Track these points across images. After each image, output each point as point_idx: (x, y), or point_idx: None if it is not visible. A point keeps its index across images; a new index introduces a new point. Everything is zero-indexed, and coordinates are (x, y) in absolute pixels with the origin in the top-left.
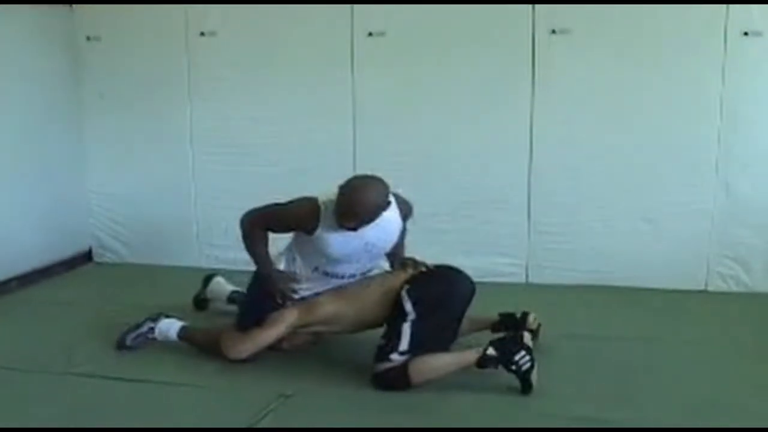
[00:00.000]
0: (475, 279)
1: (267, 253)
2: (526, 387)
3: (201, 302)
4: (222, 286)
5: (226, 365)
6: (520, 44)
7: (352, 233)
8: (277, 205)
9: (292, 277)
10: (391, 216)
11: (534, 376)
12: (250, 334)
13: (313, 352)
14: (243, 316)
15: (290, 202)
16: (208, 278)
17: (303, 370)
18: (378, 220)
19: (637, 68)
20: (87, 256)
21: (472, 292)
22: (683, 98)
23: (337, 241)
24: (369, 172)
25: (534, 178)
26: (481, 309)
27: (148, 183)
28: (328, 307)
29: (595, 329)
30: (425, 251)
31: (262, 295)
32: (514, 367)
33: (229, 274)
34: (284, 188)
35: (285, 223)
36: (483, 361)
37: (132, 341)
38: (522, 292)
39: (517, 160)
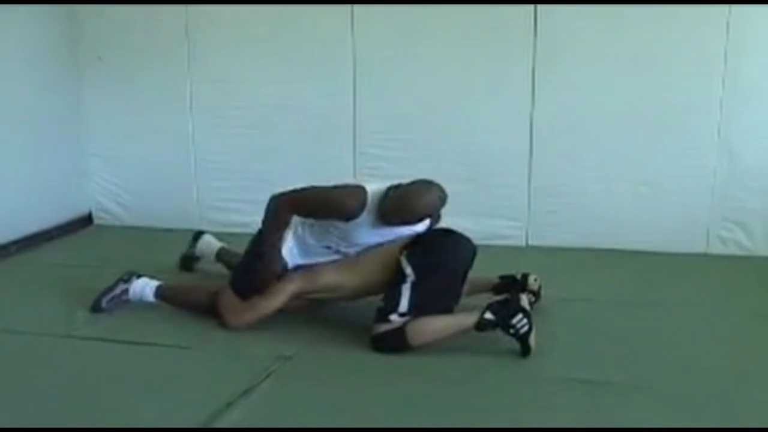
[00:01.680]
0: (476, 241)
1: (280, 239)
2: (525, 349)
3: (189, 261)
4: (211, 244)
5: (225, 328)
6: (522, 6)
7: (386, 228)
8: (315, 188)
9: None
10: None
11: (533, 339)
12: (252, 303)
13: (313, 314)
14: (242, 283)
15: (335, 187)
16: (196, 236)
17: (303, 332)
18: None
19: (638, 30)
20: (87, 219)
21: (473, 254)
22: (685, 60)
23: (369, 233)
24: (371, 135)
25: (535, 140)
26: (481, 271)
27: (148, 146)
28: (330, 276)
29: (595, 292)
30: None
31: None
32: (512, 330)
33: (227, 238)
34: (285, 151)
35: (326, 209)
36: (481, 325)
37: (107, 304)
38: (522, 254)
39: (518, 122)
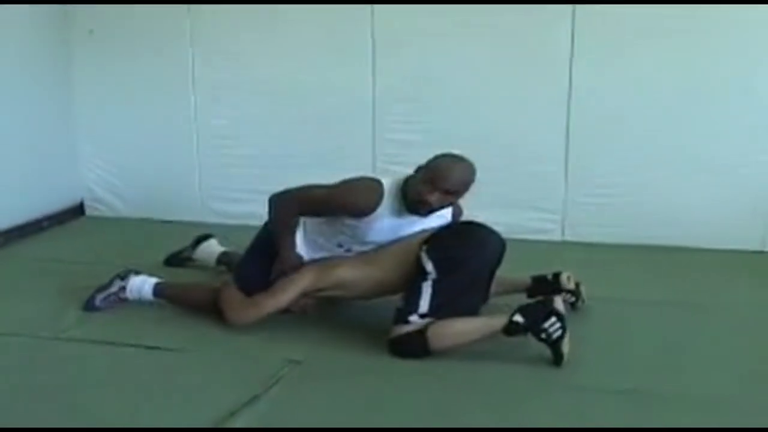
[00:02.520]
0: (506, 236)
1: (293, 237)
2: (557, 357)
3: (179, 260)
4: (213, 249)
5: (230, 328)
6: None
7: (405, 221)
8: (322, 185)
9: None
10: (449, 211)
11: (566, 345)
12: (257, 299)
13: (325, 314)
14: (246, 278)
15: (344, 183)
16: (202, 238)
17: (314, 335)
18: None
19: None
20: (78, 210)
21: (502, 249)
22: (744, 34)
23: (386, 228)
24: (391, 117)
25: (573, 123)
26: (511, 269)
27: (146, 128)
28: (344, 271)
29: (638, 293)
30: None
31: (271, 260)
32: (543, 336)
33: (233, 231)
34: (297, 135)
35: (336, 206)
36: (510, 329)
37: (101, 302)
38: (557, 250)
39: (554, 103)
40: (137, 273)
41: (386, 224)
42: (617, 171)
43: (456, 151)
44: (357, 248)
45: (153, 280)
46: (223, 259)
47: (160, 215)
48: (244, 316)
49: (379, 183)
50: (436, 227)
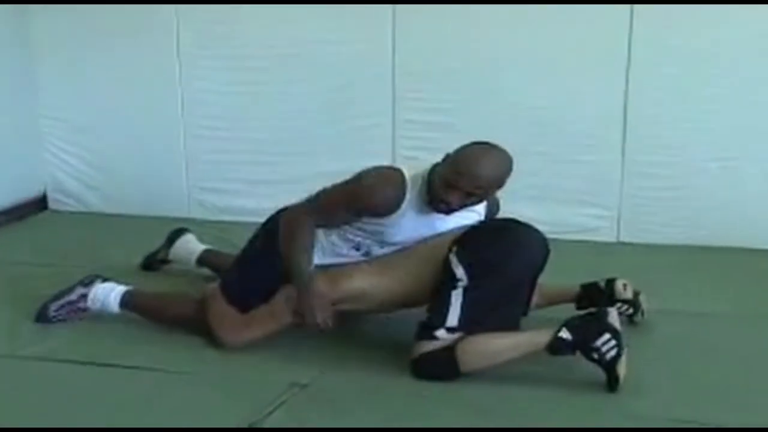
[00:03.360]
0: (550, 236)
1: (309, 262)
2: (611, 381)
3: (154, 263)
4: (191, 246)
5: (219, 347)
6: None
7: (433, 218)
8: (330, 191)
9: (329, 305)
10: (483, 206)
11: (622, 367)
12: (256, 315)
13: (335, 330)
14: (239, 291)
15: (359, 179)
16: (175, 234)
17: (322, 353)
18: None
19: None
20: (40, 203)
21: (545, 252)
22: None
23: (410, 227)
24: (414, 95)
25: (631, 101)
26: (556, 275)
27: (122, 106)
28: (360, 280)
29: (706, 304)
30: None
31: (271, 268)
32: (595, 355)
33: (227, 228)
34: (301, 116)
35: (357, 212)
36: (555, 346)
37: (56, 312)
38: (611, 253)
39: (609, 79)
40: (104, 279)
41: (411, 222)
42: (684, 159)
43: (487, 138)
44: (378, 251)
45: (121, 289)
46: (205, 259)
47: (139, 210)
48: (240, 337)
49: (400, 174)
50: (468, 225)
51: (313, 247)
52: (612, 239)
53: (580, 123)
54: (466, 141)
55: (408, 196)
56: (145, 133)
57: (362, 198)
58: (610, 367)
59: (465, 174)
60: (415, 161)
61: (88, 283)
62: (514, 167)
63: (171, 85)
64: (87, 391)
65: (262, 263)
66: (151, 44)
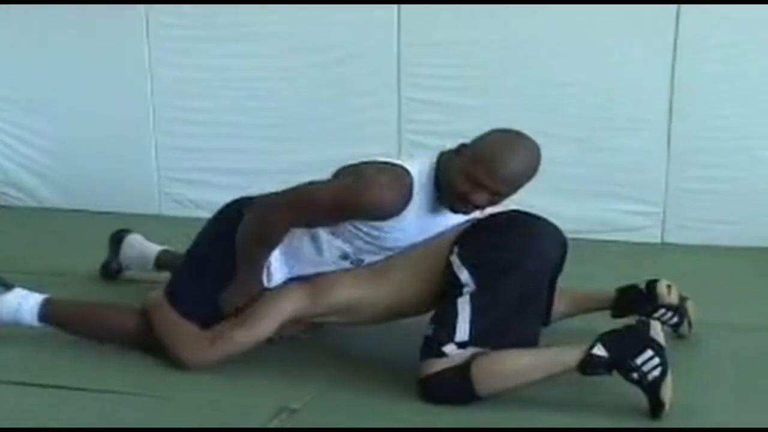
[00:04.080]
0: (586, 235)
1: (266, 260)
2: (655, 406)
3: (111, 272)
4: (141, 248)
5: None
6: None
7: (438, 218)
8: (320, 185)
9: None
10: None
11: (667, 389)
12: (223, 330)
13: (328, 344)
14: (189, 301)
15: (356, 175)
16: (116, 238)
17: (316, 373)
18: None
19: None
20: None
21: (562, 249)
22: None
23: (412, 231)
24: (423, 71)
25: (679, 79)
26: (591, 283)
27: (83, 84)
28: (346, 290)
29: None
30: None
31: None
32: (635, 375)
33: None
34: (290, 95)
35: (347, 213)
36: (588, 365)
37: None
38: (655, 255)
39: (653, 52)
40: (9, 287)
41: (414, 225)
42: (740, 146)
43: (512, 123)
44: (369, 259)
45: (38, 298)
46: (164, 260)
47: (102, 206)
48: (207, 355)
49: (406, 172)
50: (468, 221)
51: (278, 244)
52: (656, 239)
53: (618, 104)
54: (486, 125)
55: (414, 197)
56: (108, 115)
57: (360, 200)
58: (652, 389)
59: (497, 171)
60: (409, 154)
61: None
62: (544, 154)
63: (138, 61)
64: (31, 417)
65: (218, 266)
66: (117, 12)
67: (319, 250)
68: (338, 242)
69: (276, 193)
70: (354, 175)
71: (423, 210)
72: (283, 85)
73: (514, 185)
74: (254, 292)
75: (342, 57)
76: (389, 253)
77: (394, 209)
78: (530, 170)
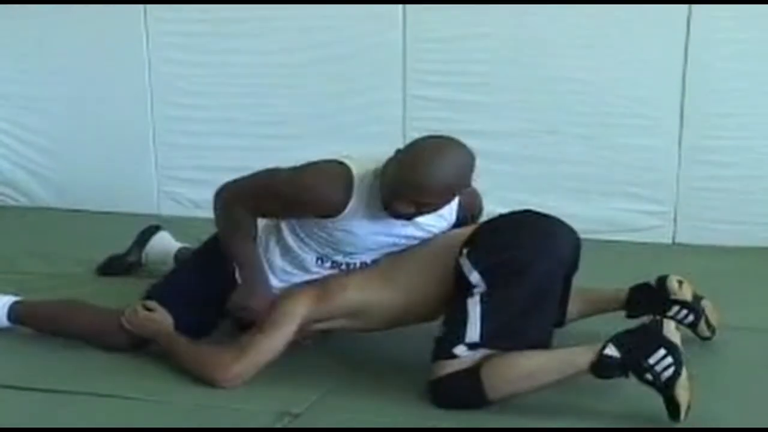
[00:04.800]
0: (595, 235)
1: (255, 249)
2: (671, 407)
3: (120, 267)
4: (167, 245)
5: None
6: None
7: (388, 225)
8: (270, 172)
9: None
10: (453, 207)
11: (683, 390)
12: (249, 343)
13: (331, 348)
14: (183, 306)
15: (300, 168)
16: (147, 233)
17: (318, 377)
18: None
19: None
20: None
21: (575, 248)
22: None
23: (364, 232)
24: (429, 67)
25: (690, 80)
26: (602, 284)
27: (79, 80)
28: (354, 294)
29: None
30: (510, 193)
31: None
32: (649, 376)
33: (203, 226)
34: (292, 92)
35: (293, 203)
36: (601, 366)
37: None
38: (666, 256)
39: (664, 46)
40: None
41: (363, 228)
42: (755, 144)
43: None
44: (343, 259)
45: (6, 300)
46: (180, 257)
47: (98, 206)
48: (238, 369)
49: (346, 170)
50: (438, 229)
51: (253, 225)
52: (667, 240)
53: (628, 101)
54: (491, 122)
55: (354, 197)
56: (106, 112)
57: (298, 193)
58: (667, 390)
59: (409, 183)
60: (368, 152)
61: None
62: (553, 150)
63: (137, 57)
64: (31, 420)
65: (206, 266)
66: (114, 9)
67: (300, 255)
68: (313, 243)
69: (235, 180)
70: (303, 168)
71: (369, 212)
72: (285, 82)
73: (436, 195)
74: (260, 290)
75: (346, 53)
76: (355, 254)
77: (331, 202)
78: (453, 179)
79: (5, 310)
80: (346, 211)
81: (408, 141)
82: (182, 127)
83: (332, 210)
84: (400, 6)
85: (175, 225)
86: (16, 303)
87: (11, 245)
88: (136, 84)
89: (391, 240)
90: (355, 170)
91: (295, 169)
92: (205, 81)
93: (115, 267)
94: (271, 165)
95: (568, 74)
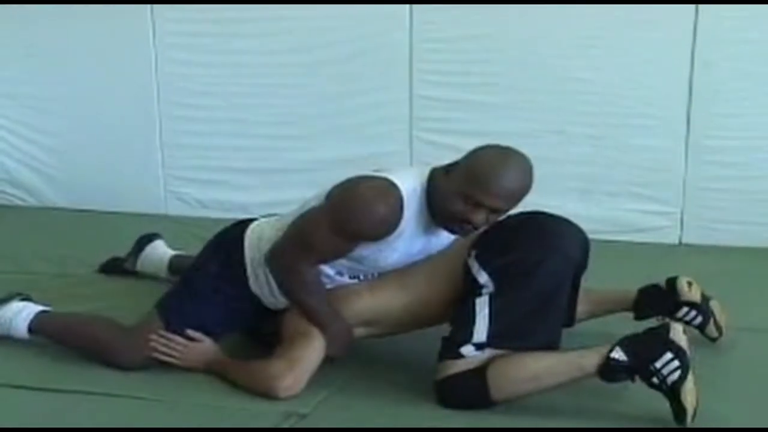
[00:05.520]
0: (601, 236)
1: (329, 303)
2: (678, 410)
3: (118, 269)
4: (160, 254)
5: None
6: None
7: (426, 237)
8: (314, 220)
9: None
10: None
11: (689, 394)
12: (296, 357)
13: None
14: (182, 321)
15: (340, 199)
16: (142, 242)
17: (326, 375)
18: None
19: None
20: None
21: (584, 248)
22: None
23: (402, 249)
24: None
25: (697, 80)
26: (607, 282)
27: (85, 80)
28: (366, 302)
29: None
30: None
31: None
32: (655, 379)
33: (209, 226)
34: (301, 90)
35: (348, 241)
36: (608, 370)
37: None
38: (673, 256)
39: (671, 45)
40: (25, 298)
41: (405, 243)
42: (763, 144)
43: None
44: (361, 273)
45: (33, 309)
46: (176, 265)
47: (105, 205)
48: (295, 380)
49: (395, 188)
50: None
51: (318, 283)
52: (674, 240)
53: (635, 101)
54: (499, 122)
55: (406, 212)
56: (111, 111)
57: (354, 224)
58: (673, 393)
59: (493, 188)
60: (400, 165)
61: (2, 300)
62: (557, 154)
63: (144, 57)
64: (39, 420)
65: (211, 287)
66: (121, 8)
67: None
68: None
69: (284, 243)
70: (339, 200)
71: (416, 228)
72: (292, 82)
73: (512, 200)
74: (345, 335)
75: (352, 53)
76: (386, 268)
77: (387, 225)
78: (526, 183)
79: (27, 320)
80: (397, 232)
81: (414, 141)
82: (189, 127)
83: (388, 232)
84: (406, 6)
85: (182, 225)
86: (41, 313)
87: (17, 245)
88: (142, 84)
89: (424, 250)
90: (401, 185)
91: (338, 201)
92: (211, 81)
93: (115, 267)
94: (277, 164)
95: (574, 74)
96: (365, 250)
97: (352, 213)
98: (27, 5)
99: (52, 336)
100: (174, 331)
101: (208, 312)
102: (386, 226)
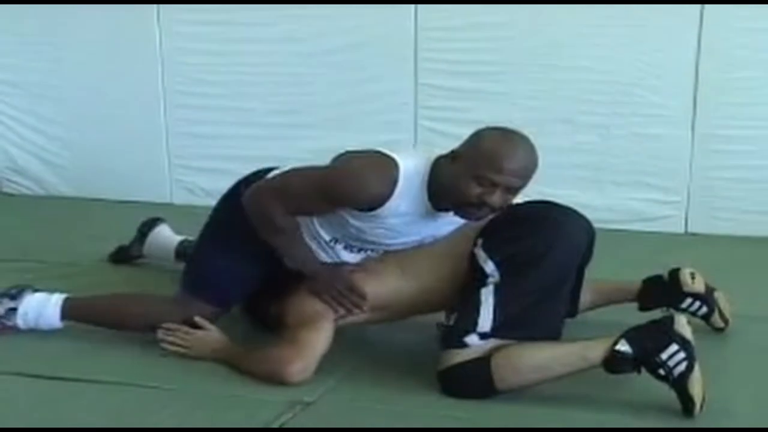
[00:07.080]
0: (605, 225)
1: (305, 243)
2: (685, 402)
3: (126, 258)
4: (166, 239)
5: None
6: None
7: (433, 222)
8: (308, 171)
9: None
10: None
11: (696, 385)
12: (304, 341)
13: (342, 337)
14: (218, 284)
15: (341, 160)
16: (146, 227)
17: (331, 364)
18: None
19: None
20: None
21: (589, 238)
22: None
23: (400, 227)
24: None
25: (704, 68)
26: (614, 275)
27: (90, 68)
28: (371, 287)
29: None
30: None
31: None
32: (661, 371)
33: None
34: (307, 78)
35: (332, 200)
36: (613, 362)
37: None
38: (679, 245)
39: (677, 32)
40: (36, 290)
41: (402, 222)
42: (766, 135)
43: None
44: (360, 248)
45: (58, 298)
46: (183, 252)
47: (111, 194)
48: (305, 364)
49: (392, 161)
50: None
51: (293, 227)
52: (680, 230)
53: (642, 90)
54: (504, 111)
55: (400, 188)
56: (117, 100)
57: (341, 184)
58: (680, 385)
59: (506, 165)
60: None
61: (15, 294)
62: (563, 143)
63: (150, 45)
64: (47, 408)
65: (230, 242)
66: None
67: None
68: (325, 231)
69: (266, 182)
70: (340, 160)
71: (414, 208)
72: (298, 71)
73: (525, 176)
74: (320, 271)
75: (357, 42)
76: (381, 248)
77: (376, 191)
78: (535, 158)
79: (59, 309)
80: (389, 204)
81: (419, 129)
82: (195, 116)
83: (376, 199)
84: None
85: (188, 214)
86: (66, 300)
87: (25, 234)
88: (149, 73)
89: (425, 235)
90: (402, 163)
91: (339, 160)
92: (217, 70)
93: (123, 256)
94: (283, 153)
95: (580, 64)
96: (356, 221)
97: (340, 175)
98: None
99: (88, 318)
100: (209, 299)
101: (228, 263)
102: (369, 196)
